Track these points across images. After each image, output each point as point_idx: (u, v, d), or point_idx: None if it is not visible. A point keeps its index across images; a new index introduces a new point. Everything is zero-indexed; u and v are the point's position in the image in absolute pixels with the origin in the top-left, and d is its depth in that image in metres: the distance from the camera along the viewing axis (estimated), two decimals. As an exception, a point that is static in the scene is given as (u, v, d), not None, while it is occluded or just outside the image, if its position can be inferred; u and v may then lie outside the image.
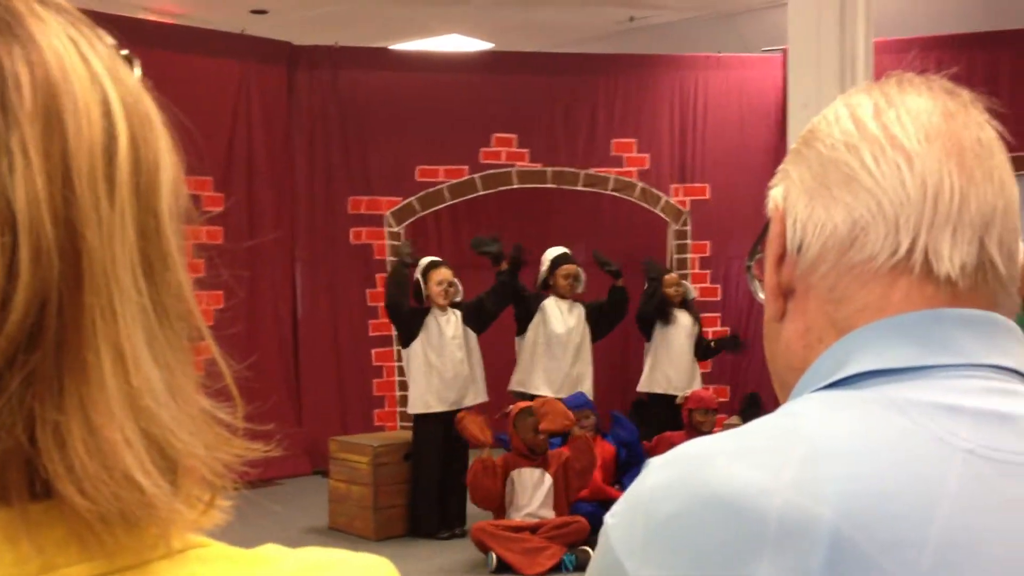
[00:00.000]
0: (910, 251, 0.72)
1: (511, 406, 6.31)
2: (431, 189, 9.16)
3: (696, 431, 6.61)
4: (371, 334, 8.95)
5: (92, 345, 0.49)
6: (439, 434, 6.58)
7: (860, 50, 4.34)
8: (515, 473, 6.07)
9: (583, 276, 7.18)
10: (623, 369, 9.23)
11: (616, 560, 0.66)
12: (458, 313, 6.69)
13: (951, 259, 0.72)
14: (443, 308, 6.62)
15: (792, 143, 0.83)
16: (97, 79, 0.52)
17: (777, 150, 9.03)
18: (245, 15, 9.10)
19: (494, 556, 5.76)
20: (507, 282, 6.83)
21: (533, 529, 5.87)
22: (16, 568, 0.48)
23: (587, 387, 7.07)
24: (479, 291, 6.92)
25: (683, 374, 7.82)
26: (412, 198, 9.12)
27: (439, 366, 6.58)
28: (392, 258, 6.66)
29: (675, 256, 9.42)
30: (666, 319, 7.76)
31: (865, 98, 0.78)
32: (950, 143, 0.74)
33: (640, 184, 9.48)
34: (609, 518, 0.69)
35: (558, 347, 7.04)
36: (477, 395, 6.69)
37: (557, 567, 5.75)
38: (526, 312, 7.04)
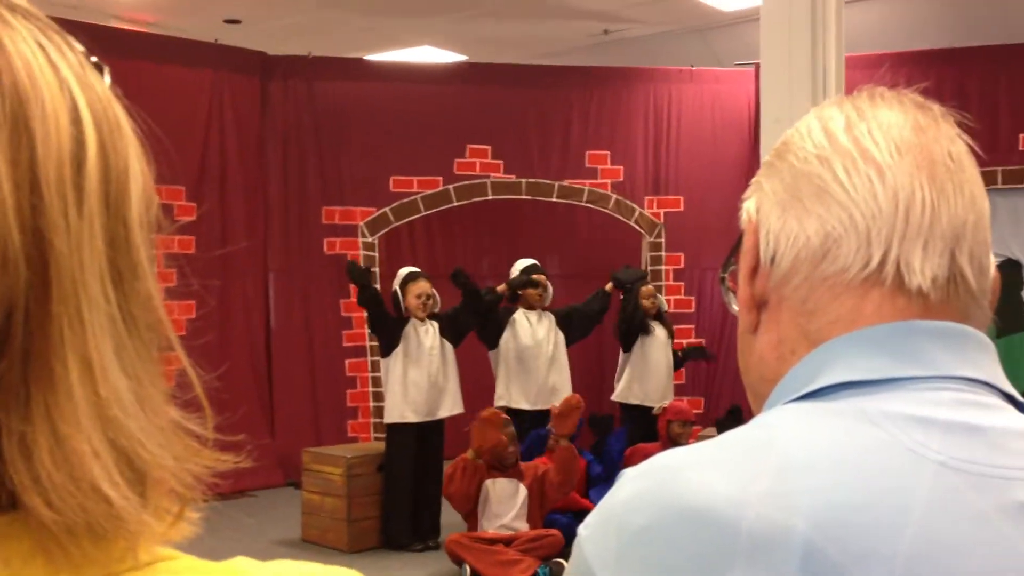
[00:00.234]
0: (882, 264, 0.72)
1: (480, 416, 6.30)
2: (405, 200, 9.15)
3: (673, 443, 6.62)
4: (345, 344, 8.92)
5: (59, 354, 0.48)
6: (412, 445, 6.56)
7: (832, 65, 4.37)
8: (489, 483, 6.05)
9: (551, 287, 7.20)
10: (599, 378, 9.25)
11: (590, 571, 0.66)
12: (436, 324, 6.69)
13: (922, 272, 0.72)
14: (421, 319, 6.62)
15: (764, 156, 0.83)
16: (66, 86, 0.51)
17: (749, 163, 9.10)
18: (218, 25, 9.06)
19: (468, 568, 5.74)
20: (493, 301, 6.89)
21: (507, 541, 5.86)
22: None
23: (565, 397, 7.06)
24: (455, 302, 6.93)
25: (659, 386, 7.84)
26: (386, 208, 9.10)
27: (416, 377, 6.57)
28: (359, 280, 6.63)
29: (649, 268, 9.45)
30: (646, 331, 7.79)
31: (837, 111, 0.79)
32: (921, 156, 0.74)
33: (614, 196, 9.52)
34: (583, 530, 0.69)
35: (531, 359, 7.04)
36: (453, 406, 6.68)
37: (531, 579, 5.74)
38: (495, 327, 7.04)
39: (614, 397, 7.96)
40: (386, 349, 6.67)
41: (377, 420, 8.47)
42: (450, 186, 9.23)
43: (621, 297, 7.82)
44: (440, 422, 6.65)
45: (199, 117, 8.41)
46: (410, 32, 9.68)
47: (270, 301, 8.90)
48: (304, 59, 9.04)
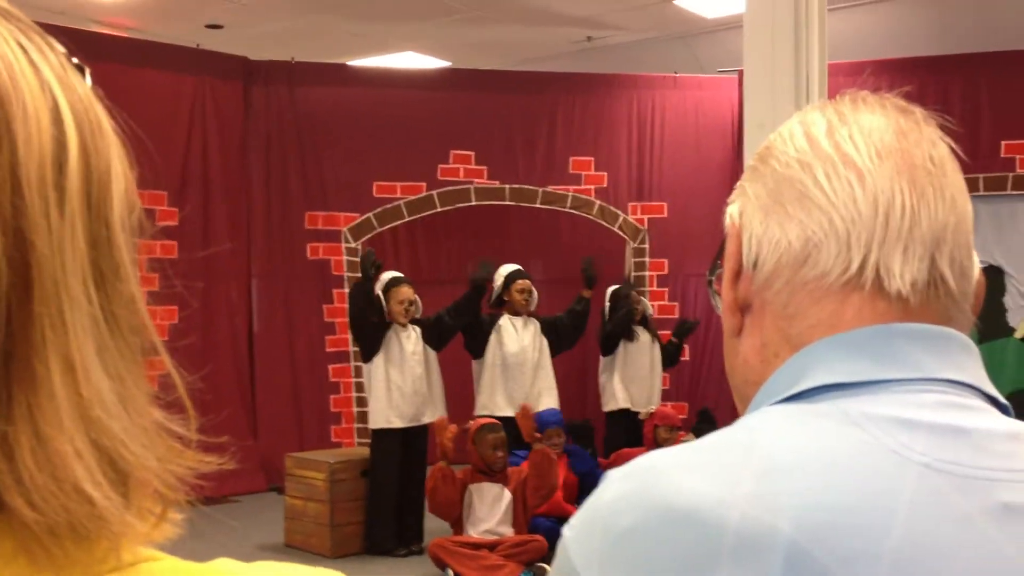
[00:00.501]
0: (861, 268, 0.73)
1: (470, 422, 6.29)
2: (389, 205, 9.14)
3: (659, 448, 6.61)
4: (328, 350, 8.90)
5: (41, 355, 0.48)
6: (397, 450, 6.55)
7: (815, 71, 4.39)
8: (474, 487, 6.05)
9: (536, 292, 7.19)
10: (582, 385, 9.25)
11: (574, 572, 0.66)
12: (418, 330, 6.68)
13: (902, 276, 0.72)
14: (403, 325, 6.61)
15: (748, 162, 0.84)
16: (47, 87, 0.51)
17: (733, 169, 9.12)
18: (200, 30, 9.03)
19: (451, 573, 5.73)
20: (472, 297, 6.83)
21: (491, 546, 5.85)
22: None
23: (550, 404, 7.05)
24: (437, 308, 6.91)
25: (644, 391, 7.85)
26: (370, 214, 9.09)
27: (399, 382, 6.55)
28: (351, 274, 6.62)
29: (633, 273, 9.47)
30: (630, 336, 7.81)
31: (819, 116, 0.79)
32: (902, 161, 0.74)
33: (598, 202, 9.53)
34: (567, 531, 0.69)
35: (515, 366, 7.02)
36: (436, 411, 6.66)
37: (514, 585, 5.73)
38: (482, 335, 7.01)
39: (605, 408, 7.91)
40: (368, 354, 6.65)
41: (361, 425, 8.45)
42: (434, 192, 9.22)
43: (607, 304, 7.83)
44: (424, 427, 6.63)
45: (181, 122, 8.38)
46: (393, 37, 9.68)
47: (253, 306, 8.87)
48: (287, 64, 9.02)
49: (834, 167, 0.75)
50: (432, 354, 6.74)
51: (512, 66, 10.08)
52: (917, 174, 0.74)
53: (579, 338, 7.49)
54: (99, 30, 8.65)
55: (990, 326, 8.29)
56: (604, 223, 9.56)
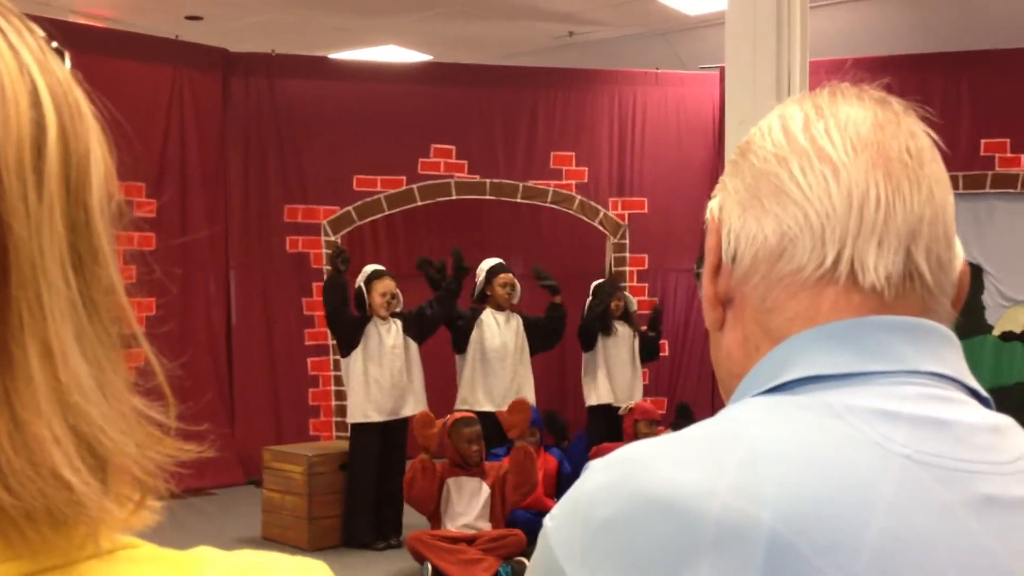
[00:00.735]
0: (836, 262, 0.73)
1: (447, 416, 6.28)
2: (369, 199, 9.11)
3: (638, 442, 6.63)
4: (307, 343, 8.87)
5: (18, 339, 0.48)
6: (376, 444, 6.54)
7: (796, 69, 4.41)
8: (452, 481, 6.04)
9: (519, 286, 7.19)
10: (561, 379, 9.26)
11: (556, 563, 0.66)
12: (399, 323, 6.66)
13: (876, 270, 0.72)
14: (384, 318, 6.58)
15: (729, 158, 0.84)
16: (26, 69, 0.50)
17: (713, 166, 9.15)
18: (180, 21, 8.97)
19: (429, 566, 5.73)
20: (452, 289, 6.82)
21: (470, 540, 5.85)
22: None
23: (529, 399, 7.04)
24: (418, 301, 6.90)
25: (624, 385, 7.85)
26: (350, 207, 9.06)
27: (377, 376, 6.53)
28: (327, 267, 6.60)
29: (613, 269, 9.48)
30: (608, 331, 7.79)
31: (797, 109, 0.79)
32: (878, 154, 0.74)
33: (579, 197, 9.54)
34: (548, 521, 0.69)
35: (496, 361, 7.02)
36: (416, 405, 6.64)
37: (493, 579, 5.73)
38: (464, 329, 7.01)
39: (587, 403, 7.90)
40: (345, 348, 6.63)
41: (339, 419, 8.43)
42: (414, 185, 9.20)
43: (590, 298, 7.84)
44: (404, 421, 6.61)
45: (159, 114, 8.32)
46: (374, 31, 9.65)
47: (231, 299, 8.83)
48: (267, 56, 8.98)
49: (809, 161, 0.75)
50: (413, 347, 6.72)
51: (494, 61, 10.06)
52: (893, 167, 0.74)
53: (558, 342, 7.49)
54: (76, 20, 8.58)
55: (969, 323, 8.35)
56: (585, 218, 9.57)
